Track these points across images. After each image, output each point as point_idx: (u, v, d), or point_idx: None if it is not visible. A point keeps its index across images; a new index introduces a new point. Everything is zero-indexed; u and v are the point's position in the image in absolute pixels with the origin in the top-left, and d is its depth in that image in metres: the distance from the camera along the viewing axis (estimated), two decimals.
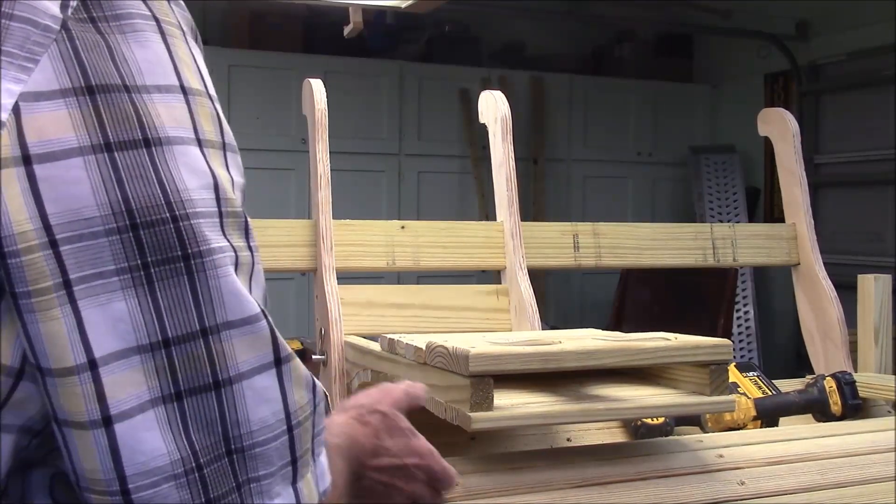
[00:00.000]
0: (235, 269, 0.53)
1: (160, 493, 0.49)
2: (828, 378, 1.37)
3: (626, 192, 5.08)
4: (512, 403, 0.93)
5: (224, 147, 0.56)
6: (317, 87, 1.41)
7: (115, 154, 0.49)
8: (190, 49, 0.56)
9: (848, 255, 4.00)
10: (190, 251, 0.51)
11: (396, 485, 0.78)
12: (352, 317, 1.33)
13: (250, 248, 0.55)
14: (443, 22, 4.67)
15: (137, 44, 0.52)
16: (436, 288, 1.45)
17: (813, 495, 1.00)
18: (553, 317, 4.56)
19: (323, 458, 0.59)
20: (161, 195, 0.50)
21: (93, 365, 0.49)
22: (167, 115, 0.51)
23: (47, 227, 0.48)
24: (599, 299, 4.77)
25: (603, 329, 1.16)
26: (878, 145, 4.18)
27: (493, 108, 1.52)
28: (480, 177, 4.52)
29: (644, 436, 1.23)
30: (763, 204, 4.88)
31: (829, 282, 1.59)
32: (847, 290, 1.62)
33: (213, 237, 0.52)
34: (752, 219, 4.80)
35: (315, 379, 0.58)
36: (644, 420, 1.23)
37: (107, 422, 0.49)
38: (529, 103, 4.78)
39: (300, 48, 4.37)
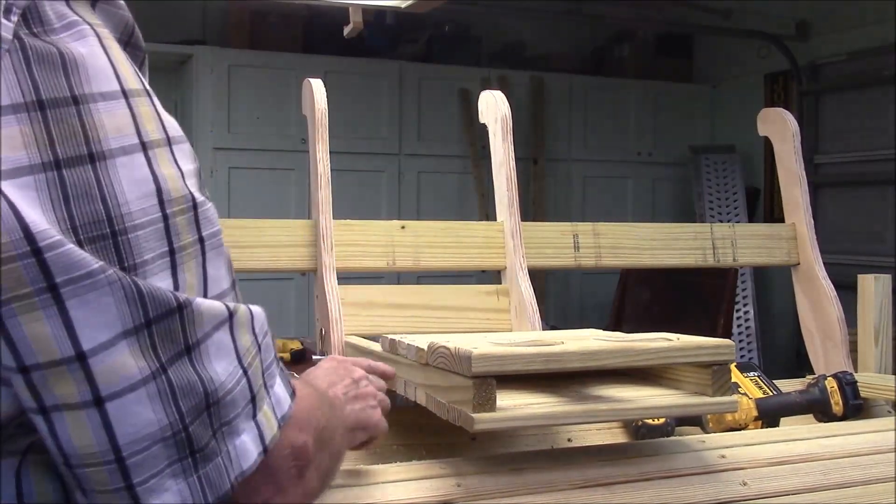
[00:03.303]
0: (175, 269, 0.56)
1: (151, 454, 0.53)
2: (829, 378, 1.37)
3: (626, 192, 5.08)
4: (514, 404, 0.93)
5: (169, 142, 0.57)
6: (317, 87, 1.41)
7: (64, 172, 0.51)
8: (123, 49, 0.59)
9: (848, 255, 4.00)
10: (126, 265, 0.53)
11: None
12: (352, 317, 1.33)
13: (200, 238, 0.58)
14: (443, 22, 4.67)
15: (85, 49, 0.54)
16: (436, 288, 1.45)
17: (816, 496, 1.00)
18: (553, 317, 4.56)
19: (277, 388, 0.63)
20: (103, 211, 0.52)
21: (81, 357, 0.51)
22: (111, 124, 0.54)
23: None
24: (599, 299, 4.77)
25: (603, 329, 1.16)
26: (878, 145, 4.18)
27: (493, 108, 1.52)
28: (480, 177, 4.52)
29: (645, 436, 1.22)
30: (763, 204, 4.88)
31: (829, 282, 1.59)
32: (847, 290, 1.61)
33: (150, 247, 0.55)
34: (752, 219, 4.80)
35: (253, 311, 0.61)
36: (645, 420, 1.23)
37: (98, 401, 0.51)
38: (529, 103, 4.78)
39: (300, 48, 4.37)
